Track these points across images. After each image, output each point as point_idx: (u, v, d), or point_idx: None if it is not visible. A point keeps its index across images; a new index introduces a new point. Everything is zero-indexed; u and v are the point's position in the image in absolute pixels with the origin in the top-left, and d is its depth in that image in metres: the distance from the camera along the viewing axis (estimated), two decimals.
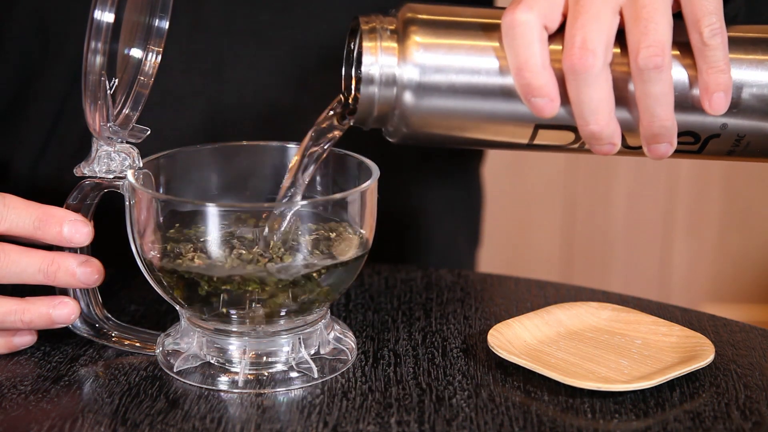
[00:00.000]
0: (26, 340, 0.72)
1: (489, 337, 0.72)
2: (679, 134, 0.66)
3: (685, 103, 0.66)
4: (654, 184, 1.98)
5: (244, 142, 0.75)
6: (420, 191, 1.04)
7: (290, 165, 0.69)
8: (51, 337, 0.73)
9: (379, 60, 0.65)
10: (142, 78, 0.69)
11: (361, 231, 0.69)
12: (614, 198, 1.99)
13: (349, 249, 0.69)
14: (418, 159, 1.02)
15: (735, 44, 0.66)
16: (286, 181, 0.70)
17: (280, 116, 0.95)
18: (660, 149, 0.66)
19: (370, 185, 0.68)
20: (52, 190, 0.94)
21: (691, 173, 1.96)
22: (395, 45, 0.66)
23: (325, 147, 0.69)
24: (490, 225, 1.38)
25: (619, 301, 0.80)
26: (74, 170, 0.70)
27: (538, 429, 0.64)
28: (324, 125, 0.69)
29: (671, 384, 0.68)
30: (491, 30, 0.66)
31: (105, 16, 0.64)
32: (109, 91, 0.66)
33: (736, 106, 0.66)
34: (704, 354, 0.70)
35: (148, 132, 0.69)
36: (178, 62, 0.92)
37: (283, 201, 0.69)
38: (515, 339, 0.72)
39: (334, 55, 0.97)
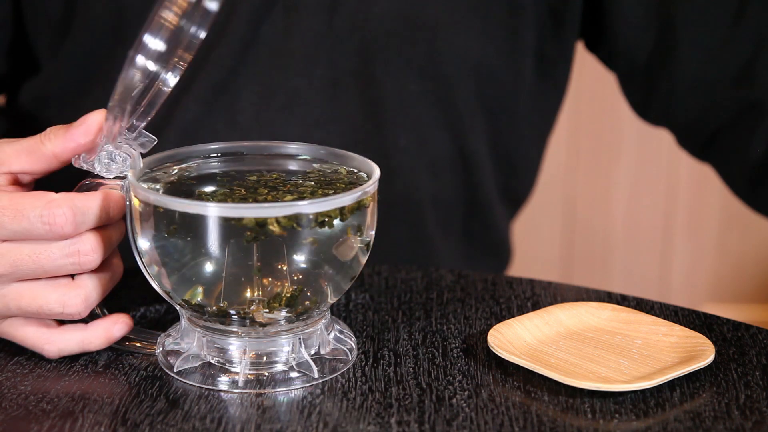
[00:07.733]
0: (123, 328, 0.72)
1: (489, 337, 0.72)
2: None
3: None
4: (654, 185, 1.98)
5: (245, 142, 0.75)
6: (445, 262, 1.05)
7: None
8: None
9: None
10: (163, 88, 0.68)
11: (362, 232, 0.69)
12: (614, 198, 1.99)
13: (350, 251, 0.68)
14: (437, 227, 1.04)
15: None
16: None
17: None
18: None
19: (373, 185, 0.69)
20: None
21: (691, 173, 1.96)
22: None
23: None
24: None
25: (619, 301, 0.80)
26: (73, 161, 0.70)
27: (538, 429, 0.64)
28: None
29: (671, 384, 0.68)
30: None
31: (155, 44, 0.64)
32: (136, 105, 0.66)
33: None
34: (704, 354, 0.70)
35: (156, 142, 0.69)
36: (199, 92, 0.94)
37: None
38: (515, 339, 0.72)
39: (362, 78, 0.97)
